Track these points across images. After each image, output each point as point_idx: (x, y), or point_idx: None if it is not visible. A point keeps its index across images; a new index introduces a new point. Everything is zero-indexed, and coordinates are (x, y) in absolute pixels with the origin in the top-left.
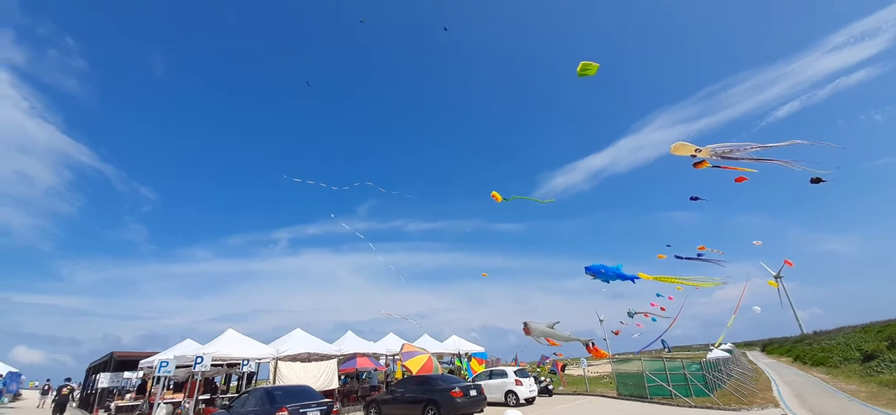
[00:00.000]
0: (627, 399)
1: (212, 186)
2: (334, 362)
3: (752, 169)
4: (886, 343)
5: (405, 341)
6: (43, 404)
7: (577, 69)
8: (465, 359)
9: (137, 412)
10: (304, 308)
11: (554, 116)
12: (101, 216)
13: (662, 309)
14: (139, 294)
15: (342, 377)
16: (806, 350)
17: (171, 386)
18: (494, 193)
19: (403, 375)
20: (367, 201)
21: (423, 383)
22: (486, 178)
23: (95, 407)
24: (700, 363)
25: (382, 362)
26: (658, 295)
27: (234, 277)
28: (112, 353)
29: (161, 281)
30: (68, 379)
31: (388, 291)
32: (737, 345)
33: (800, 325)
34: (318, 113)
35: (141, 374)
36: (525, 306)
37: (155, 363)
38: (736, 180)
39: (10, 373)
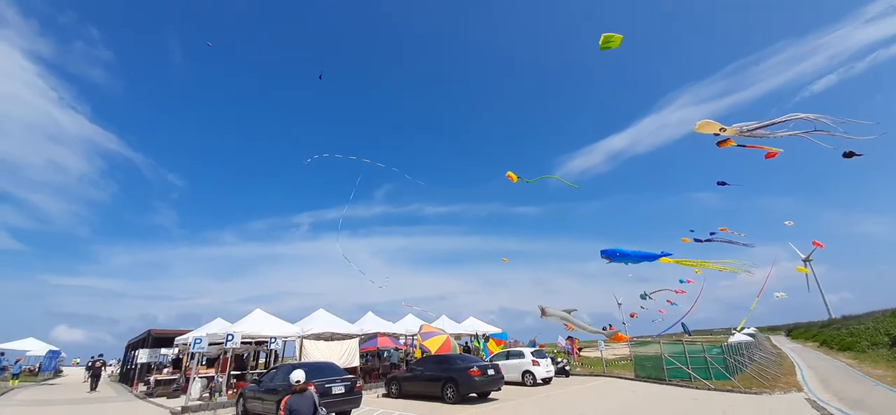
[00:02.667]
0: (645, 381)
1: (234, 172)
2: (356, 340)
3: (780, 148)
4: None
5: (424, 322)
6: (87, 378)
7: (600, 42)
8: (482, 339)
9: (174, 386)
10: (326, 290)
11: (572, 97)
12: (133, 202)
13: (682, 292)
14: (172, 276)
15: (363, 356)
16: (833, 335)
17: (205, 362)
18: (510, 172)
19: (422, 354)
20: (383, 186)
21: (441, 361)
22: (503, 161)
23: (136, 381)
24: (721, 347)
25: (402, 341)
26: (681, 281)
27: (258, 259)
28: (149, 330)
29: (192, 263)
30: (100, 355)
31: (407, 274)
32: (761, 329)
33: (828, 309)
34: (337, 97)
35: (176, 350)
36: (544, 289)
37: (189, 340)
38: (766, 157)
39: (50, 351)
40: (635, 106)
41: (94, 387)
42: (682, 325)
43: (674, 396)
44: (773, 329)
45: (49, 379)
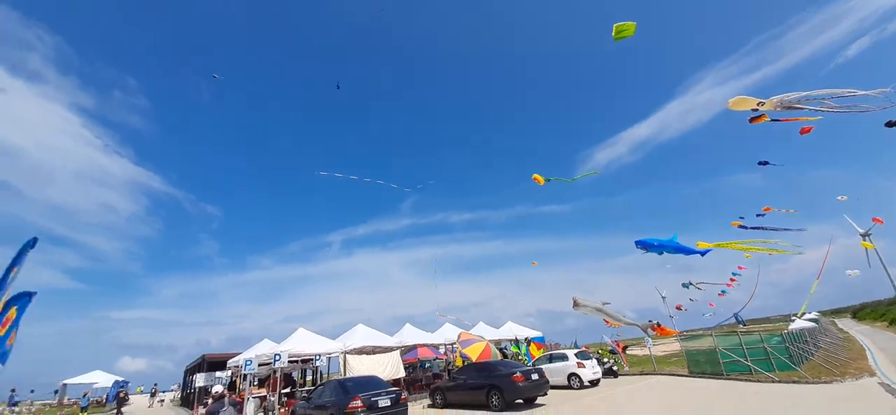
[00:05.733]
0: (701, 377)
1: (266, 198)
2: (397, 352)
3: (817, 116)
4: None
5: (462, 330)
6: (152, 404)
7: (613, 33)
8: (524, 344)
9: (239, 408)
10: (363, 305)
11: (590, 91)
12: (177, 236)
13: (733, 282)
14: (219, 302)
15: (405, 367)
16: None
17: (256, 382)
18: (536, 175)
19: (463, 362)
20: (409, 198)
21: (484, 369)
22: (525, 164)
23: (195, 404)
24: (781, 335)
25: (441, 350)
26: (734, 273)
27: (296, 280)
28: (204, 355)
29: (236, 289)
30: (155, 384)
31: (438, 283)
32: (823, 313)
33: (894, 285)
34: (356, 115)
35: (230, 372)
36: (581, 289)
37: (241, 363)
38: (801, 132)
39: (116, 381)
40: (657, 93)
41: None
42: (735, 315)
43: (735, 391)
44: (838, 312)
45: (115, 409)
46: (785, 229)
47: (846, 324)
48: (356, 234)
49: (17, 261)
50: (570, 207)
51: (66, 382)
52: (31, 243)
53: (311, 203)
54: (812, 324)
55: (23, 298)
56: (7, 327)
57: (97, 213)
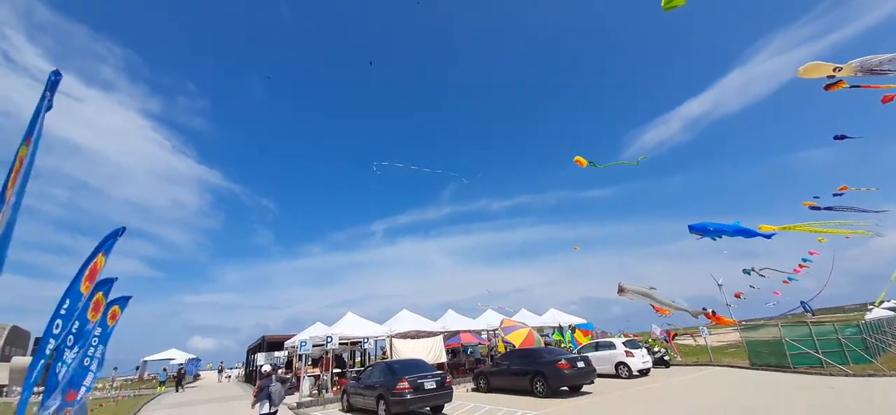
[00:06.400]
0: (764, 369)
1: (314, 190)
2: (440, 337)
3: None
4: None
5: (504, 316)
6: (220, 380)
7: (663, 2)
8: (568, 331)
9: (289, 384)
10: (406, 291)
11: (637, 67)
12: (238, 227)
13: (803, 268)
14: (274, 287)
15: (448, 352)
16: None
17: (310, 362)
18: (578, 157)
19: (506, 349)
20: (448, 186)
21: (528, 355)
22: (567, 146)
23: (256, 381)
24: (857, 325)
25: (484, 336)
26: (805, 259)
27: (343, 267)
28: (264, 336)
29: (290, 274)
30: (221, 361)
31: (481, 271)
32: None
33: None
34: (396, 109)
35: (287, 353)
36: (628, 275)
37: (296, 344)
38: (883, 101)
39: (190, 359)
40: (714, 64)
41: (178, 389)
42: (802, 303)
43: (804, 385)
44: None
45: (190, 383)
46: (864, 210)
47: None
48: (398, 223)
49: (103, 247)
50: (613, 190)
51: (145, 359)
52: (119, 232)
53: (355, 194)
54: (891, 313)
55: (122, 300)
56: (115, 320)
57: (169, 208)
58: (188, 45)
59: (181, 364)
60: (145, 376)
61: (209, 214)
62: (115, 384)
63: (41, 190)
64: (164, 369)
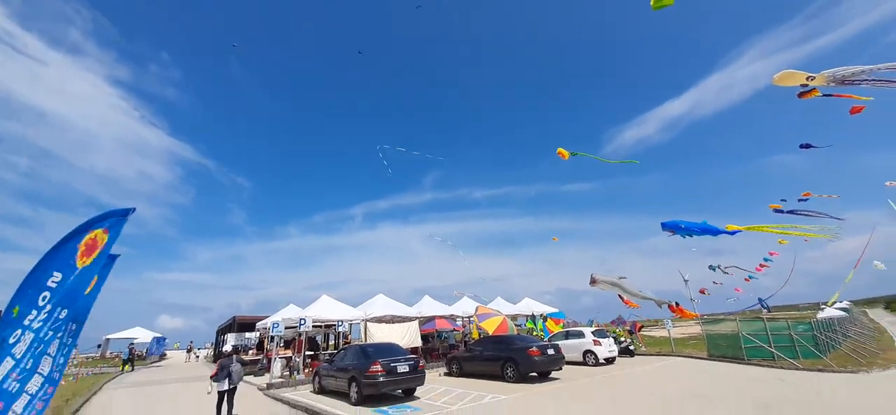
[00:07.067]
0: (720, 361)
1: (292, 170)
2: (416, 322)
3: (869, 97)
4: None
5: (479, 304)
6: (188, 359)
7: (652, 1)
8: (540, 320)
9: (259, 366)
10: (384, 276)
11: (618, 64)
12: (210, 204)
13: (764, 267)
14: (248, 268)
15: (423, 337)
16: None
17: (282, 344)
18: (560, 149)
19: (480, 335)
20: (431, 172)
21: (500, 342)
22: (548, 140)
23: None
24: (809, 323)
25: (459, 323)
26: (766, 259)
27: (320, 250)
28: (234, 317)
29: (264, 256)
30: (191, 341)
31: (456, 258)
32: (855, 303)
33: None
34: (379, 93)
35: (258, 334)
36: (603, 268)
37: (268, 325)
38: (851, 112)
39: (156, 338)
40: (694, 66)
41: (131, 368)
42: (760, 300)
43: (756, 377)
44: (871, 302)
45: (155, 362)
46: (824, 215)
47: (877, 314)
48: (378, 207)
49: (104, 223)
50: (593, 186)
51: (108, 336)
52: (128, 212)
53: (336, 176)
54: (842, 313)
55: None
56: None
57: (136, 180)
58: (165, 11)
59: (132, 342)
60: (108, 354)
61: (178, 189)
62: (75, 361)
63: (1, 157)
64: (130, 347)
